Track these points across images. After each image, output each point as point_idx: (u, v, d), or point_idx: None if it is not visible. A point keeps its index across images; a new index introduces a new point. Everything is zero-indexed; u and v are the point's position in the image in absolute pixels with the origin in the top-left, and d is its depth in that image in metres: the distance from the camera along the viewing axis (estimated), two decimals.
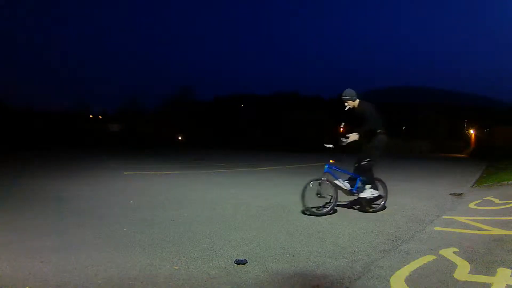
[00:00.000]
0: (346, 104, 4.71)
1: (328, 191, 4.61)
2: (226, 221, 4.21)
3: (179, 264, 2.74)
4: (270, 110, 54.68)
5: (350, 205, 5.15)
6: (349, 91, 4.69)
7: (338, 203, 4.76)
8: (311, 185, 4.53)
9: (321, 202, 4.68)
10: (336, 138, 4.68)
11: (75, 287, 2.28)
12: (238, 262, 2.79)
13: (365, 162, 4.59)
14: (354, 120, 4.72)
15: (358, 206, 4.97)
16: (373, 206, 4.90)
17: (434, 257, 2.94)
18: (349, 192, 4.75)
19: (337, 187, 4.67)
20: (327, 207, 4.59)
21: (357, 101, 4.70)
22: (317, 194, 4.51)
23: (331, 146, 4.80)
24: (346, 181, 4.78)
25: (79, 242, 3.21)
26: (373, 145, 4.60)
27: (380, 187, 4.93)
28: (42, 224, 3.83)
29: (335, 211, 4.73)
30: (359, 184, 4.71)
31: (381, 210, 4.89)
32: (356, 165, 4.76)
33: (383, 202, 4.99)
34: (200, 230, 3.75)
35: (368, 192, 4.67)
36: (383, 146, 4.62)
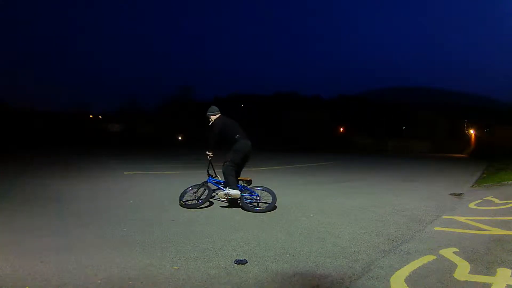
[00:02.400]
0: (209, 119, 5.20)
1: (204, 193, 5.09)
2: (226, 221, 4.22)
3: (179, 264, 2.74)
4: (270, 110, 54.73)
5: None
6: (212, 108, 5.24)
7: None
8: (190, 189, 5.19)
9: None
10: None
11: (75, 287, 2.28)
12: (238, 262, 2.79)
13: (224, 164, 4.99)
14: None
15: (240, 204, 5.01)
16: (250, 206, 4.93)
17: (434, 257, 2.95)
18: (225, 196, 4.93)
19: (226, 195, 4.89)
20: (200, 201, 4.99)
21: (215, 116, 5.16)
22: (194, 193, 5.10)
23: (211, 154, 5.17)
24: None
25: (79, 242, 3.21)
26: (233, 149, 4.99)
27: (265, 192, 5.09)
28: (42, 224, 3.83)
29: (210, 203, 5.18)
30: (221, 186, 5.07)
31: (268, 211, 4.77)
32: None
33: (267, 205, 4.89)
34: (200, 230, 3.75)
35: (225, 191, 4.88)
36: (243, 149, 4.98)
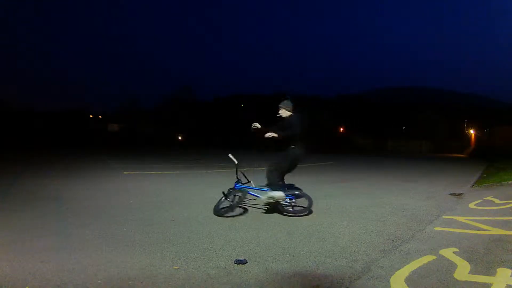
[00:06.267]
0: (279, 112, 4.74)
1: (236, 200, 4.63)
2: (226, 221, 4.21)
3: (179, 264, 2.74)
4: (270, 110, 54.72)
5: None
6: (287, 102, 4.76)
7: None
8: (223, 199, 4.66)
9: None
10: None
11: (75, 287, 2.28)
12: (238, 262, 2.79)
13: (270, 168, 4.69)
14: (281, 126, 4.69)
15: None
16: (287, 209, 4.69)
17: (434, 257, 2.95)
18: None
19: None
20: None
21: (288, 112, 4.72)
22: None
23: (234, 160, 4.85)
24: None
25: (79, 242, 3.21)
26: (284, 154, 4.62)
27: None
28: (42, 224, 3.83)
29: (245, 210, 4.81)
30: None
31: (304, 215, 4.60)
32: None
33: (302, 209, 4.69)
34: (200, 230, 3.75)
35: (270, 194, 4.53)
36: (295, 158, 4.65)
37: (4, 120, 36.08)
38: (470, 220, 4.34)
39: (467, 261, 2.82)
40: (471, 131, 44.88)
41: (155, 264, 2.72)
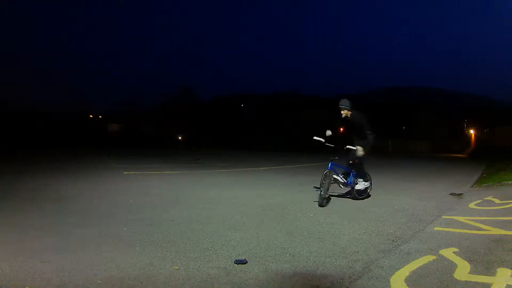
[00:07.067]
0: (342, 112, 5.64)
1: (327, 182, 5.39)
2: (226, 221, 4.21)
3: (179, 264, 2.74)
4: (271, 110, 54.79)
5: (344, 195, 6.10)
6: (346, 101, 5.59)
7: (332, 193, 5.84)
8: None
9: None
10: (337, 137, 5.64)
11: (75, 287, 2.28)
12: (238, 262, 2.79)
13: (358, 159, 5.61)
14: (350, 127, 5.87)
15: (350, 196, 5.89)
16: (362, 195, 5.87)
17: (434, 257, 2.95)
18: (345, 185, 5.67)
19: (335, 180, 5.55)
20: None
21: (350, 111, 5.64)
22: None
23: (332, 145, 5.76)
24: (342, 176, 5.68)
25: (79, 242, 3.21)
26: (365, 144, 5.62)
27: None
28: (42, 224, 3.83)
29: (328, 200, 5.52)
30: (352, 178, 5.69)
31: (367, 198, 5.91)
32: (350, 161, 5.72)
33: (368, 191, 6.01)
34: (200, 230, 3.75)
35: (361, 185, 5.78)
36: (371, 144, 5.70)
37: (5, 120, 36.12)
38: (470, 220, 4.34)
39: (467, 261, 2.82)
40: (471, 131, 44.86)
41: (155, 264, 2.72)
